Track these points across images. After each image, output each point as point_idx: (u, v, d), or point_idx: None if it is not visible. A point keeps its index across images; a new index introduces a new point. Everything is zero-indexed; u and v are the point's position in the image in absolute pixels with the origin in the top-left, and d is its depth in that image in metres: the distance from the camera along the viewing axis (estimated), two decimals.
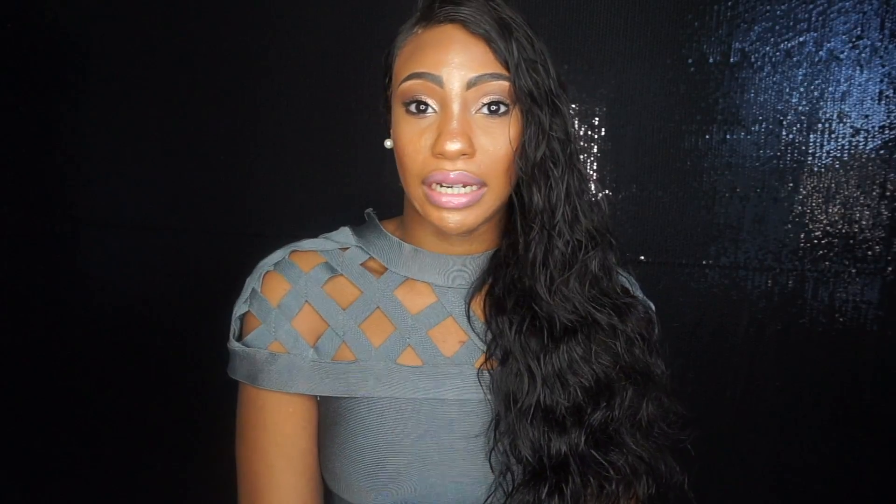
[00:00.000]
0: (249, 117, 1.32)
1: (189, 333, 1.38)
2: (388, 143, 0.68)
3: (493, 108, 0.62)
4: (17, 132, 1.41)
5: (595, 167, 1.23)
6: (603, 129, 1.22)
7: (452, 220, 0.62)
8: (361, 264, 0.72)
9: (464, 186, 0.62)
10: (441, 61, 0.61)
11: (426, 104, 0.62)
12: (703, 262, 1.23)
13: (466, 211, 0.62)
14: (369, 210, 0.78)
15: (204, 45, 1.31)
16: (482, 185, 0.62)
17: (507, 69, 0.61)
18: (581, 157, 0.69)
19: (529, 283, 0.67)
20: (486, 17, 0.61)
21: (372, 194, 1.26)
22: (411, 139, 0.63)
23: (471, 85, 0.61)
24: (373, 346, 0.69)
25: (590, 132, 1.23)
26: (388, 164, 0.66)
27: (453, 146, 0.59)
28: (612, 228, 0.72)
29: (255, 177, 1.34)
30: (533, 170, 0.63)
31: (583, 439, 0.65)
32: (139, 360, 1.43)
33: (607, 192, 1.23)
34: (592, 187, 0.70)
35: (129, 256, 1.41)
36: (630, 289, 0.76)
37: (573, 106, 1.21)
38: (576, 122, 1.21)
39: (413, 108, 0.63)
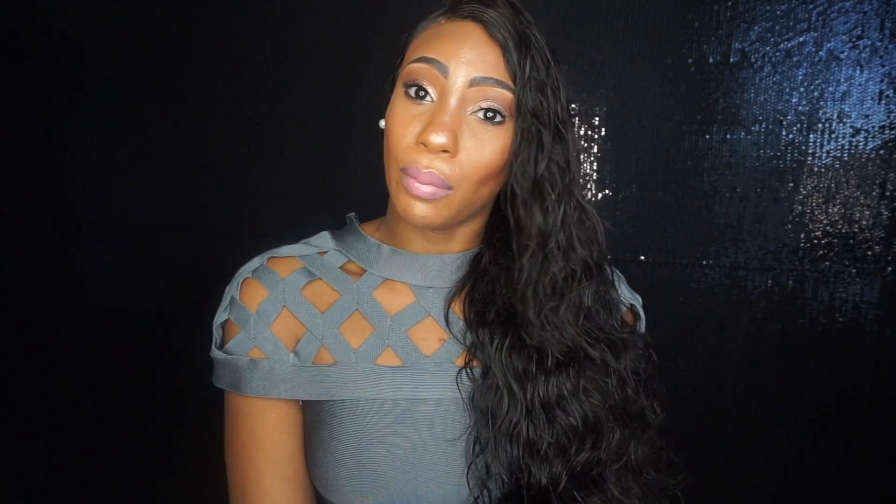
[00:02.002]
0: (249, 118, 1.32)
1: (188, 333, 1.38)
2: (382, 124, 0.67)
3: (490, 114, 0.62)
4: (18, 132, 1.41)
5: (595, 167, 1.23)
6: (603, 129, 1.22)
7: (418, 209, 0.61)
8: (340, 267, 0.72)
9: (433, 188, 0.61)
10: (452, 53, 0.61)
11: (426, 91, 0.62)
12: (703, 262, 1.23)
13: (431, 203, 0.61)
14: (351, 214, 0.78)
15: (203, 45, 1.31)
16: (448, 188, 0.61)
17: (515, 82, 0.61)
18: (584, 191, 0.68)
19: (521, 309, 0.66)
20: (509, 26, 0.61)
21: (370, 194, 1.26)
22: (402, 122, 0.62)
23: (474, 83, 0.61)
24: (352, 348, 0.68)
25: (590, 132, 1.23)
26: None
27: (438, 139, 0.59)
28: (611, 263, 0.70)
29: (254, 177, 1.34)
30: (531, 187, 0.63)
31: (565, 477, 0.64)
32: (139, 360, 1.43)
33: (607, 191, 1.23)
34: (595, 217, 0.68)
35: (129, 256, 1.41)
36: (615, 282, 0.75)
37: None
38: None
39: (413, 92, 0.62)
